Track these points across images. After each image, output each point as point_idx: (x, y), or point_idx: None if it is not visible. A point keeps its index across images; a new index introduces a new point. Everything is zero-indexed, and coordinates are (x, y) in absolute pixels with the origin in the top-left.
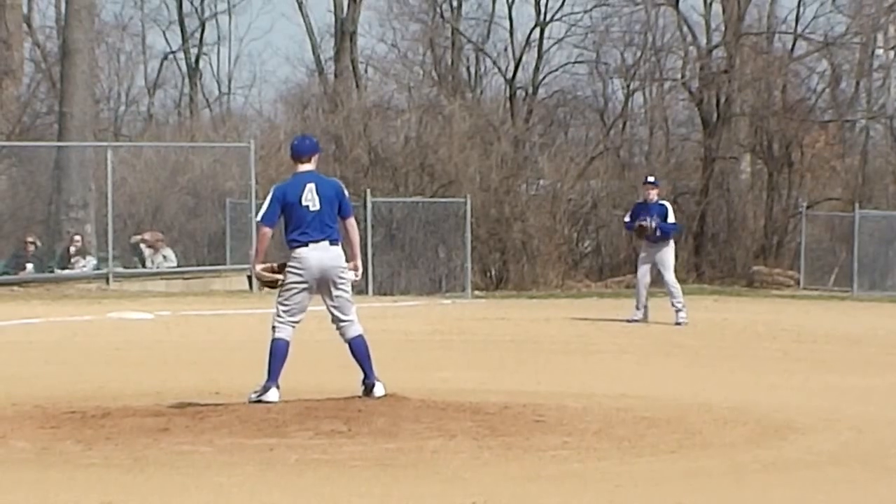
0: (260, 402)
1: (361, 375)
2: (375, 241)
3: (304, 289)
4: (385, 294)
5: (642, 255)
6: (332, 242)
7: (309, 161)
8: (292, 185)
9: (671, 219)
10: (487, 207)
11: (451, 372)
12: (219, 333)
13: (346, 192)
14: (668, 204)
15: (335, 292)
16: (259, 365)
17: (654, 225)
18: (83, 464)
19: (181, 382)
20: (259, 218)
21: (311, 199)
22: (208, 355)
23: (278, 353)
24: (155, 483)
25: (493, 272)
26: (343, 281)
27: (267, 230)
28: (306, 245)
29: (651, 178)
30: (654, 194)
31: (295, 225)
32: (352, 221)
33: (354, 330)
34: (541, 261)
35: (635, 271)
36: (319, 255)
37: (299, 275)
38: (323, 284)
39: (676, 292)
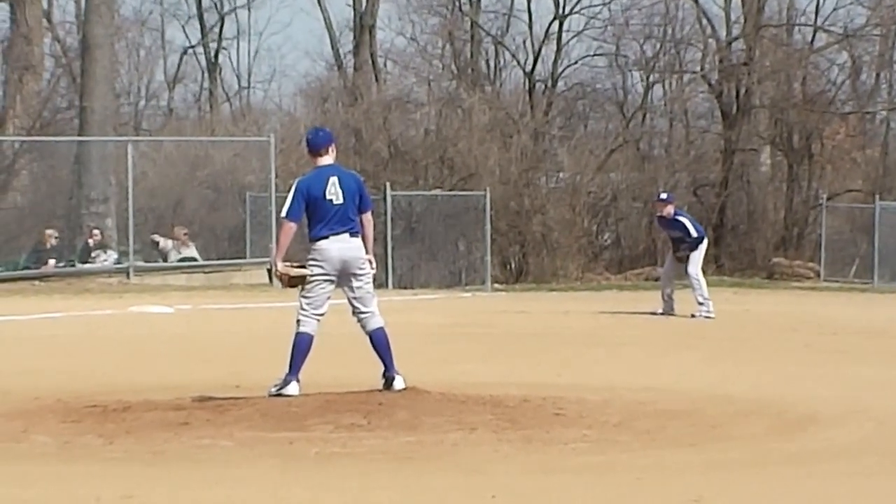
0: (280, 395)
1: (381, 369)
2: (395, 235)
3: (326, 280)
4: (405, 287)
5: (671, 255)
6: (353, 234)
7: (327, 153)
8: (315, 178)
9: (693, 233)
10: (507, 200)
11: (471, 365)
12: (239, 327)
13: (365, 186)
14: (685, 220)
15: (356, 284)
16: (279, 358)
17: (686, 253)
18: (104, 458)
19: (202, 376)
20: (284, 213)
21: (334, 192)
22: (228, 349)
23: (302, 346)
24: (176, 477)
25: (512, 265)
26: (364, 272)
27: (292, 225)
28: (327, 238)
29: (663, 196)
30: (668, 210)
31: (318, 218)
32: (369, 216)
33: (375, 322)
34: (560, 253)
35: (656, 263)
36: (340, 246)
37: (321, 266)
38: (344, 276)
39: (697, 286)
